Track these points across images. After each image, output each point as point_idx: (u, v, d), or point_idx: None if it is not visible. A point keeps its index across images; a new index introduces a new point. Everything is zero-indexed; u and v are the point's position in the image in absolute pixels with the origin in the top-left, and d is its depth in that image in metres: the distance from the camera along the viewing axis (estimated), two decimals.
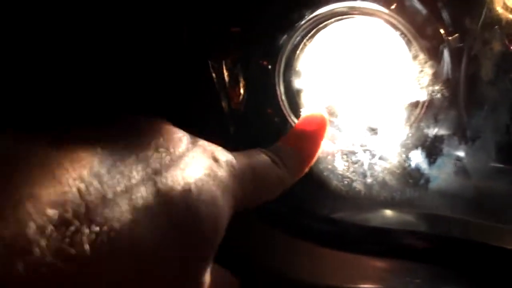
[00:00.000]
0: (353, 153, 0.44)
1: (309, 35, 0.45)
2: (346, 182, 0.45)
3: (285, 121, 0.46)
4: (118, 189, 0.25)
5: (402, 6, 0.43)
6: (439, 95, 0.42)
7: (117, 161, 0.26)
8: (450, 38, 0.43)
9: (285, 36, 0.45)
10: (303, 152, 0.38)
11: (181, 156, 0.29)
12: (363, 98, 0.44)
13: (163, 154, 0.28)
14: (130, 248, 0.24)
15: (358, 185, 0.45)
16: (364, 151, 0.44)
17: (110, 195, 0.24)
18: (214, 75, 0.46)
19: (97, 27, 0.39)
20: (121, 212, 0.24)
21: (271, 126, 0.47)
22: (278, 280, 0.43)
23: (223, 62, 0.47)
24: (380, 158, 0.44)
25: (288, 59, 0.45)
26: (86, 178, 0.23)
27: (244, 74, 0.47)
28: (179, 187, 0.27)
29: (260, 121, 0.47)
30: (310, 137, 0.38)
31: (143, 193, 0.26)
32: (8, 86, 0.32)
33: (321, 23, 0.44)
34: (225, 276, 0.35)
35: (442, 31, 0.43)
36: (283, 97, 0.46)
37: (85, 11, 0.36)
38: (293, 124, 0.45)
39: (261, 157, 0.35)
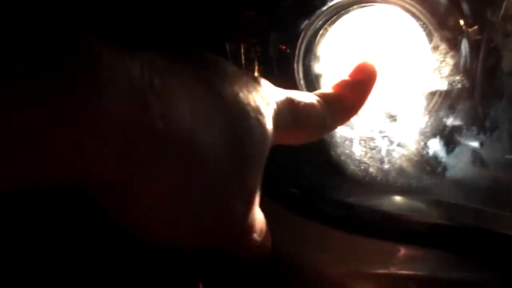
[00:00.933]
0: (372, 139, 0.44)
1: (330, 20, 0.45)
2: (363, 167, 0.45)
3: None
4: (183, 90, 0.26)
5: None
6: (458, 85, 0.42)
7: (181, 68, 0.27)
8: (469, 29, 0.43)
9: (306, 21, 0.45)
10: (350, 100, 0.37)
11: (234, 75, 0.30)
12: (383, 85, 0.44)
13: (220, 71, 0.29)
14: (191, 139, 0.25)
15: (375, 171, 0.45)
16: (383, 137, 0.44)
17: (172, 90, 0.25)
18: (230, 58, 0.46)
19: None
20: (183, 107, 0.25)
21: None
22: (291, 263, 0.43)
23: (241, 46, 0.47)
24: (398, 145, 0.44)
25: (308, 44, 0.46)
26: (156, 68, 0.24)
27: (262, 57, 0.47)
28: (237, 98, 0.28)
29: None
30: (360, 86, 0.38)
31: (206, 98, 0.27)
32: None
33: (343, 9, 0.44)
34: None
35: (461, 22, 0.43)
36: (302, 82, 0.46)
37: None
38: None
39: (307, 96, 0.35)
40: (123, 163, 0.23)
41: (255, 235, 0.33)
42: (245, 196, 0.30)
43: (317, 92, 0.37)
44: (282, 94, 0.33)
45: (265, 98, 0.31)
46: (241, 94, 0.29)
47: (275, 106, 0.32)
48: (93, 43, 0.22)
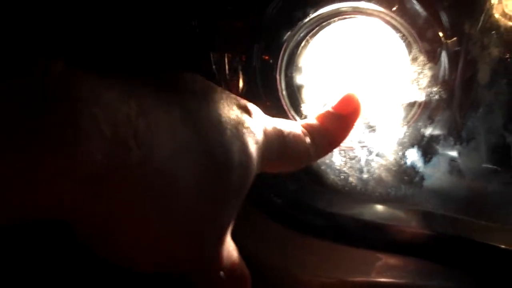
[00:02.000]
0: (351, 149, 0.45)
1: (312, 32, 0.46)
2: (343, 177, 0.46)
3: (284, 115, 0.46)
4: (162, 124, 0.26)
5: (404, 8, 0.44)
6: (436, 96, 0.43)
7: (160, 100, 0.27)
8: (448, 41, 0.44)
9: (288, 33, 0.46)
10: (334, 134, 0.38)
11: (216, 101, 0.30)
12: (362, 96, 0.45)
13: (199, 97, 0.29)
14: (169, 176, 0.26)
15: (354, 180, 0.46)
16: (362, 147, 0.45)
17: (155, 127, 0.25)
18: (214, 67, 0.47)
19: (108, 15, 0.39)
20: (164, 142, 0.25)
21: None
22: (273, 272, 0.44)
23: (225, 55, 0.47)
24: (377, 155, 0.45)
25: (290, 55, 0.46)
26: (135, 108, 0.24)
27: (245, 67, 0.48)
28: (215, 128, 0.28)
29: None
30: (344, 120, 0.38)
31: (184, 130, 0.27)
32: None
33: (325, 21, 0.45)
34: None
35: (440, 34, 0.44)
36: (284, 92, 0.46)
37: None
38: (292, 119, 0.46)
39: (294, 127, 0.35)
40: (101, 205, 0.24)
41: (224, 268, 0.32)
42: (217, 230, 0.30)
43: (303, 122, 0.37)
44: (271, 124, 0.33)
45: (253, 130, 0.31)
46: (228, 130, 0.29)
47: (263, 138, 0.32)
48: (79, 84, 0.23)
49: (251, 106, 0.33)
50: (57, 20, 0.35)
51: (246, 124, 0.31)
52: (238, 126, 0.30)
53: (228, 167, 0.28)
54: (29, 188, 0.21)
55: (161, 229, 0.26)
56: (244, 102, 0.33)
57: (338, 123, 0.38)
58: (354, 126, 0.39)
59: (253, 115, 0.32)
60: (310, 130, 0.36)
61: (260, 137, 0.31)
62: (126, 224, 0.25)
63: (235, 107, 0.31)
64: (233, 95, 0.32)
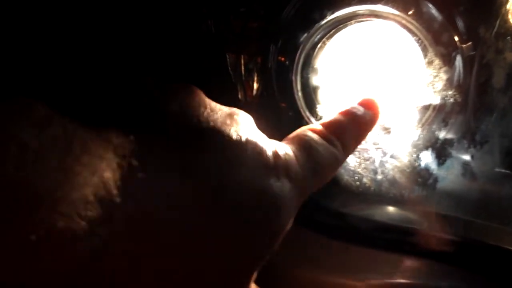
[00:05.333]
0: (366, 150, 0.46)
1: (329, 34, 0.46)
2: (357, 177, 0.47)
3: (299, 116, 0.47)
4: (171, 188, 0.24)
5: (420, 12, 0.44)
6: (451, 100, 0.44)
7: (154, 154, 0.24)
8: (463, 45, 0.44)
9: (305, 35, 0.46)
10: (358, 128, 0.35)
11: (236, 154, 0.27)
12: (378, 98, 0.46)
13: (219, 151, 0.26)
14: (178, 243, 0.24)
15: (368, 181, 0.46)
16: (376, 149, 0.45)
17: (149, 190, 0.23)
18: (230, 68, 0.47)
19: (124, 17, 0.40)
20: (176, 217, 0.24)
21: (286, 120, 0.48)
22: (286, 272, 0.44)
23: (241, 56, 0.48)
24: (392, 156, 0.45)
25: (306, 56, 0.47)
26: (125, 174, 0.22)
27: (261, 68, 0.48)
28: (238, 187, 0.26)
29: (274, 114, 0.48)
30: (367, 115, 0.36)
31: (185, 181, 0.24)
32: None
33: (341, 24, 0.46)
34: None
35: (456, 38, 0.44)
36: (300, 93, 0.47)
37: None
38: (307, 120, 0.47)
39: (315, 141, 0.32)
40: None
41: None
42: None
43: (325, 123, 0.34)
44: (297, 145, 0.30)
45: (277, 167, 0.28)
46: (245, 184, 0.26)
47: (295, 169, 0.29)
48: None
49: (266, 141, 0.29)
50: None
51: (272, 167, 0.28)
52: (264, 180, 0.27)
53: (262, 230, 0.26)
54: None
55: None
56: (271, 144, 0.29)
57: (361, 116, 0.36)
58: (378, 119, 0.37)
59: (273, 150, 0.29)
60: (331, 128, 0.33)
61: (291, 171, 0.28)
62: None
63: (260, 156, 0.28)
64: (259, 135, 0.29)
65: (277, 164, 0.28)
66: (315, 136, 0.32)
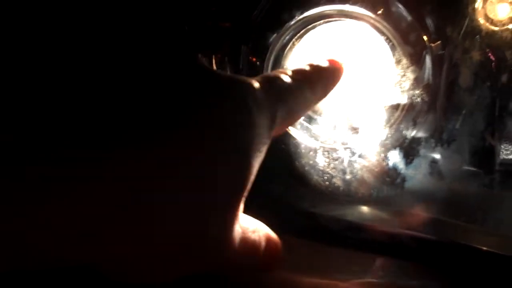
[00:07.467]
0: (334, 150, 0.46)
1: (298, 35, 0.47)
2: (326, 177, 0.47)
3: None
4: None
5: (389, 12, 0.44)
6: (419, 99, 0.44)
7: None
8: (432, 45, 0.44)
9: (274, 35, 0.46)
10: (324, 76, 0.38)
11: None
12: (347, 98, 0.46)
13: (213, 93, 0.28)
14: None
15: (337, 181, 0.46)
16: (345, 148, 0.46)
17: None
18: None
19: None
20: None
21: None
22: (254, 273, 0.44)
23: (213, 57, 0.48)
24: (360, 156, 0.46)
25: (276, 57, 0.47)
26: None
27: (233, 69, 0.48)
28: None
29: None
30: (332, 67, 0.39)
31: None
32: None
33: (310, 24, 0.46)
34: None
35: (425, 37, 0.44)
36: None
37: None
38: None
39: (286, 82, 0.33)
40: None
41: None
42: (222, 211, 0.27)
43: (294, 69, 0.36)
44: (267, 83, 0.31)
45: (259, 102, 0.29)
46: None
47: (270, 108, 0.30)
48: None
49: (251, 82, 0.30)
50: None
51: (255, 99, 0.29)
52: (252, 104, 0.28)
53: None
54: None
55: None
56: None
57: (328, 67, 0.38)
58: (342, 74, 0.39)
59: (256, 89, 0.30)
60: (302, 73, 0.35)
61: (268, 108, 0.30)
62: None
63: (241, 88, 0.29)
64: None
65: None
66: (284, 76, 0.33)
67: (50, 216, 0.21)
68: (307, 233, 0.45)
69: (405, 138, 0.45)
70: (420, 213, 0.45)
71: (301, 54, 0.47)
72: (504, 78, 0.43)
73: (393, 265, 0.43)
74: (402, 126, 0.44)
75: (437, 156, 0.45)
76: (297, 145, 0.47)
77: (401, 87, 0.44)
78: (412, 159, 0.45)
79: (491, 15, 0.43)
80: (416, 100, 0.44)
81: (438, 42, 0.44)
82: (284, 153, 0.47)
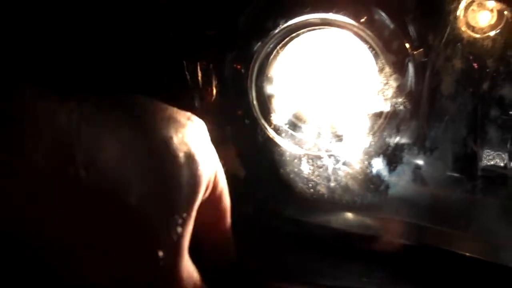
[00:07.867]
0: (319, 157, 0.46)
1: (282, 43, 0.47)
2: (310, 185, 0.47)
3: (255, 124, 0.47)
4: (105, 128, 0.27)
5: (371, 20, 0.45)
6: (401, 107, 0.44)
7: (102, 106, 0.28)
8: (415, 52, 0.45)
9: (259, 43, 0.47)
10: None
11: (167, 120, 0.30)
12: (330, 106, 0.46)
13: (153, 115, 0.30)
14: (115, 177, 0.26)
15: (322, 188, 0.47)
16: (329, 156, 0.46)
17: (97, 131, 0.26)
18: (188, 75, 0.48)
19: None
20: (108, 145, 0.26)
21: (242, 128, 0.48)
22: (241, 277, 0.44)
23: (198, 64, 0.48)
24: (344, 163, 0.46)
25: (261, 65, 0.47)
26: (76, 116, 0.26)
27: (218, 76, 0.48)
28: (160, 129, 0.29)
29: (231, 121, 0.49)
30: None
31: (135, 145, 0.28)
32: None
33: (294, 32, 0.46)
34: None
35: (407, 45, 0.45)
36: (255, 101, 0.47)
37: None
38: (263, 128, 0.47)
39: None
40: (44, 212, 0.25)
41: None
42: (170, 247, 0.29)
43: None
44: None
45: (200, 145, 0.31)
46: (172, 130, 0.29)
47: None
48: (22, 94, 0.24)
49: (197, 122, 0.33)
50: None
51: (197, 140, 0.31)
52: (188, 143, 0.30)
53: (175, 168, 0.29)
54: None
55: (110, 230, 0.27)
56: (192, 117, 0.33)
57: None
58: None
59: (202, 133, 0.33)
60: None
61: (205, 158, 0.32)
62: (71, 230, 0.26)
63: (176, 118, 0.31)
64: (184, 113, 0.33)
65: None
66: None
67: None
68: (293, 240, 0.45)
69: (388, 145, 0.45)
70: (403, 219, 0.45)
71: (285, 63, 0.47)
72: (485, 85, 0.43)
73: (377, 271, 0.44)
74: (385, 133, 0.45)
75: (420, 162, 0.45)
76: (282, 153, 0.47)
77: (384, 95, 0.44)
78: (396, 166, 0.46)
79: (472, 23, 0.43)
80: (399, 108, 0.44)
81: (421, 49, 0.45)
82: (269, 161, 0.47)
